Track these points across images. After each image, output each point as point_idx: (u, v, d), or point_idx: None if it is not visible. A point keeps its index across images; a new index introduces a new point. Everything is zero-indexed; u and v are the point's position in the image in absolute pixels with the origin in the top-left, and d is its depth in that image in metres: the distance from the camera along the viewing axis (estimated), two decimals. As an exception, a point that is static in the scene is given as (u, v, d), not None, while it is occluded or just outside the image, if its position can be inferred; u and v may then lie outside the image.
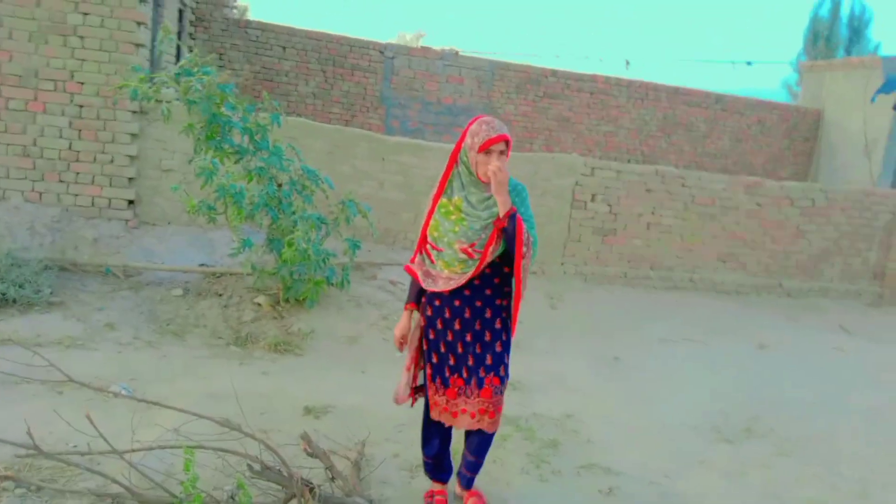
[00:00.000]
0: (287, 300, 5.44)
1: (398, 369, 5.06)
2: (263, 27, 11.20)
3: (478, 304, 3.03)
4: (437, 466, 3.35)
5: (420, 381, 3.30)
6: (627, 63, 14.79)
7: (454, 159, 2.97)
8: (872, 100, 12.41)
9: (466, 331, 3.01)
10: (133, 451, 3.16)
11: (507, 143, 2.88)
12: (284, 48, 11.20)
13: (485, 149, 2.83)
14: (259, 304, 5.58)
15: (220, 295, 5.78)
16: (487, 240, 2.92)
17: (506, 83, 12.14)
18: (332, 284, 5.49)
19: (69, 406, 3.67)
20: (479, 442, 3.21)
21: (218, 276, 5.98)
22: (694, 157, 13.59)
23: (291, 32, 11.25)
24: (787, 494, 3.78)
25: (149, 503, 3.04)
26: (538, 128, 12.63)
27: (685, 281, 8.07)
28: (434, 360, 3.09)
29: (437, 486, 3.37)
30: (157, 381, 4.38)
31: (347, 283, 5.47)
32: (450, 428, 3.24)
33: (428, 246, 3.03)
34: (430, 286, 3.03)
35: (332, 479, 3.28)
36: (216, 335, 5.33)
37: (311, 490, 3.08)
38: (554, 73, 12.44)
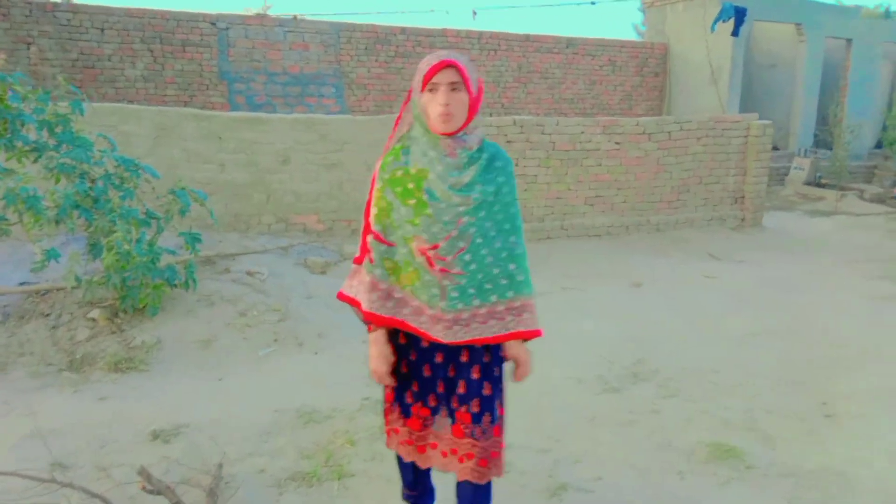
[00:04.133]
0: (125, 311, 4.80)
1: (261, 370, 4.64)
2: (75, 9, 10.09)
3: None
4: (415, 496, 2.67)
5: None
6: (474, 13, 14.49)
7: (401, 117, 2.23)
8: (712, 29, 12.78)
9: (436, 350, 2.27)
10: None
11: (457, 71, 2.03)
12: (102, 30, 10.13)
13: (427, 83, 2.04)
14: (94, 320, 4.90)
15: (48, 315, 5.04)
16: (456, 248, 2.11)
17: (354, 45, 11.59)
18: (176, 286, 4.89)
19: None
20: (471, 496, 2.42)
21: (43, 294, 5.21)
22: (552, 104, 13.61)
23: (108, 12, 10.19)
24: (678, 440, 3.64)
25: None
26: (395, 89, 12.19)
27: (557, 229, 7.96)
28: (394, 382, 2.36)
29: None
30: (-35, 432, 3.69)
31: (193, 281, 4.89)
32: None
33: (370, 238, 2.21)
34: (394, 314, 2.22)
35: (181, 517, 2.81)
36: (46, 362, 4.63)
37: (152, 538, 2.61)
38: (403, 30, 12.00)
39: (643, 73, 14.43)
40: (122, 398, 4.12)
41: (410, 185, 2.12)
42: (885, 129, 13.84)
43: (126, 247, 4.05)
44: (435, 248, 2.12)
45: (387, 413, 2.43)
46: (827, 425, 3.84)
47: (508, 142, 7.60)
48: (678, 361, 4.68)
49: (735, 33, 12.86)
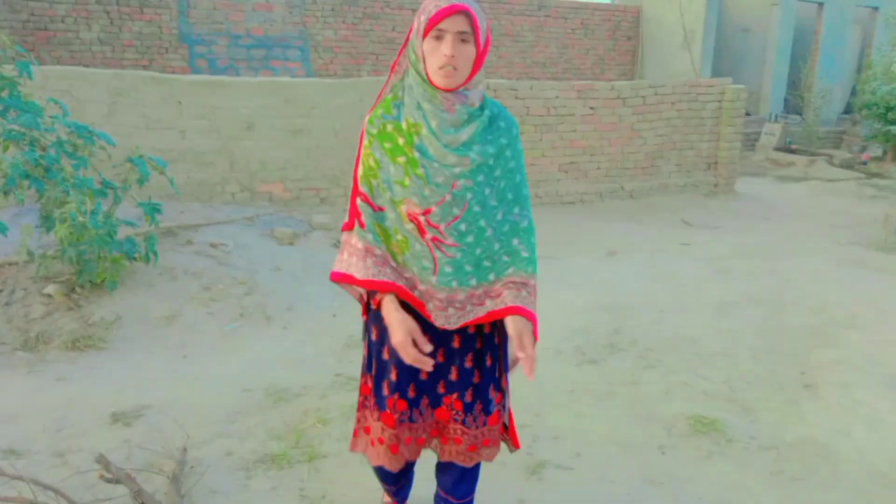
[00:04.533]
0: (82, 286, 4.57)
1: (227, 347, 4.46)
2: (23, -34, 9.55)
3: None
4: (393, 491, 2.49)
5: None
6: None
7: (397, 62, 1.93)
8: (686, -9, 12.60)
9: (423, 333, 1.95)
10: None
11: (469, 18, 1.75)
12: (55, -11, 9.63)
13: (431, 29, 1.76)
14: (49, 296, 4.66)
15: (0, 291, 4.79)
16: (450, 216, 1.87)
17: (320, 6, 11.21)
18: (136, 259, 4.67)
19: None
20: (456, 478, 2.25)
21: (-6, 269, 4.95)
22: (524, 69, 13.38)
23: (60, -31, 9.68)
24: (658, 412, 3.56)
25: None
26: (363, 52, 11.86)
27: (531, 197, 7.82)
28: (373, 369, 2.10)
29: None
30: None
31: (154, 254, 4.66)
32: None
33: (359, 201, 1.94)
34: (394, 279, 1.94)
35: (142, 506, 2.65)
36: (-2, 341, 4.40)
37: (111, 531, 2.45)
38: (371, -9, 11.64)
39: (616, 36, 14.24)
40: (80, 379, 3.92)
41: (401, 141, 1.85)
42: (854, 93, 13.86)
43: (80, 219, 3.82)
44: (426, 213, 1.86)
45: (360, 408, 2.16)
46: (806, 395, 3.80)
47: (481, 107, 7.41)
48: (656, 331, 4.61)
49: (708, -4, 12.74)
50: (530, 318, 1.94)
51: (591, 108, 8.03)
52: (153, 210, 4.56)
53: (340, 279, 1.98)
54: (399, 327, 1.86)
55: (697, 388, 3.85)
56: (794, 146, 12.65)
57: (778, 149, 12.51)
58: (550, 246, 6.60)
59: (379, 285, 1.91)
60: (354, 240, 1.95)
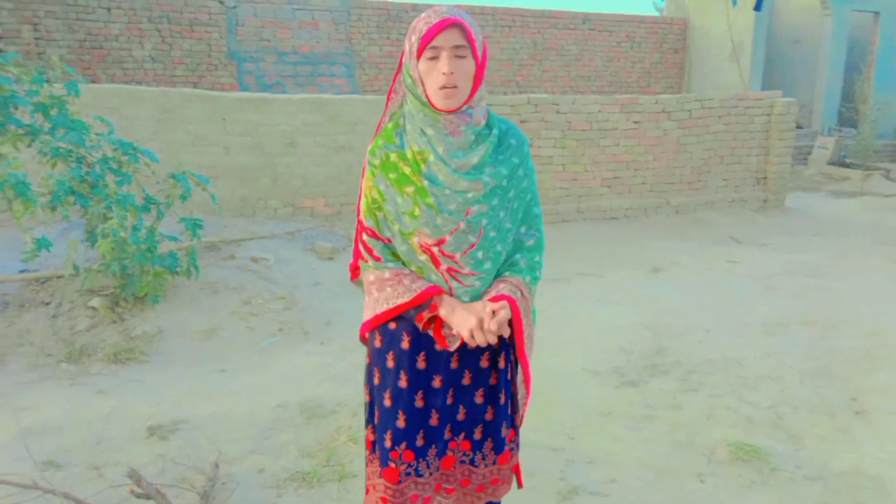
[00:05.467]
0: (125, 299, 4.66)
1: (264, 361, 4.50)
2: (81, -13, 9.89)
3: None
4: None
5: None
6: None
7: (393, 89, 1.85)
8: (734, 3, 12.37)
9: (434, 372, 1.88)
10: None
11: (463, 31, 1.67)
12: (109, 9, 9.95)
13: (425, 48, 1.67)
14: (94, 308, 4.77)
15: (48, 303, 4.92)
16: (465, 244, 1.78)
17: (365, 23, 11.34)
18: (178, 273, 4.74)
19: None
20: None
21: (43, 282, 5.09)
22: (569, 82, 13.30)
23: (114, -10, 10.00)
24: (699, 438, 3.44)
25: None
26: (407, 68, 11.93)
27: (572, 212, 7.73)
28: (376, 418, 1.93)
29: None
30: (-44, 427, 3.57)
31: (195, 269, 4.73)
32: None
33: (366, 236, 1.83)
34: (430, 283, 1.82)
35: (172, 523, 2.67)
36: (45, 352, 4.51)
37: (140, 548, 2.47)
38: (414, 7, 11.72)
39: (662, 49, 14.05)
40: (120, 392, 3.98)
41: (407, 170, 1.74)
42: (913, 105, 13.37)
43: (121, 234, 3.89)
44: (440, 243, 1.75)
45: (367, 463, 1.99)
46: (857, 423, 3.63)
47: (523, 121, 7.37)
48: (700, 352, 4.48)
49: (758, 8, 12.43)
50: (517, 320, 1.82)
51: (636, 122, 7.91)
52: (195, 225, 4.63)
53: (383, 319, 1.84)
54: (471, 315, 1.75)
55: (741, 413, 3.71)
56: (848, 160, 12.25)
57: (831, 163, 12.14)
58: (592, 262, 6.52)
59: (428, 292, 1.78)
60: (376, 275, 1.83)
